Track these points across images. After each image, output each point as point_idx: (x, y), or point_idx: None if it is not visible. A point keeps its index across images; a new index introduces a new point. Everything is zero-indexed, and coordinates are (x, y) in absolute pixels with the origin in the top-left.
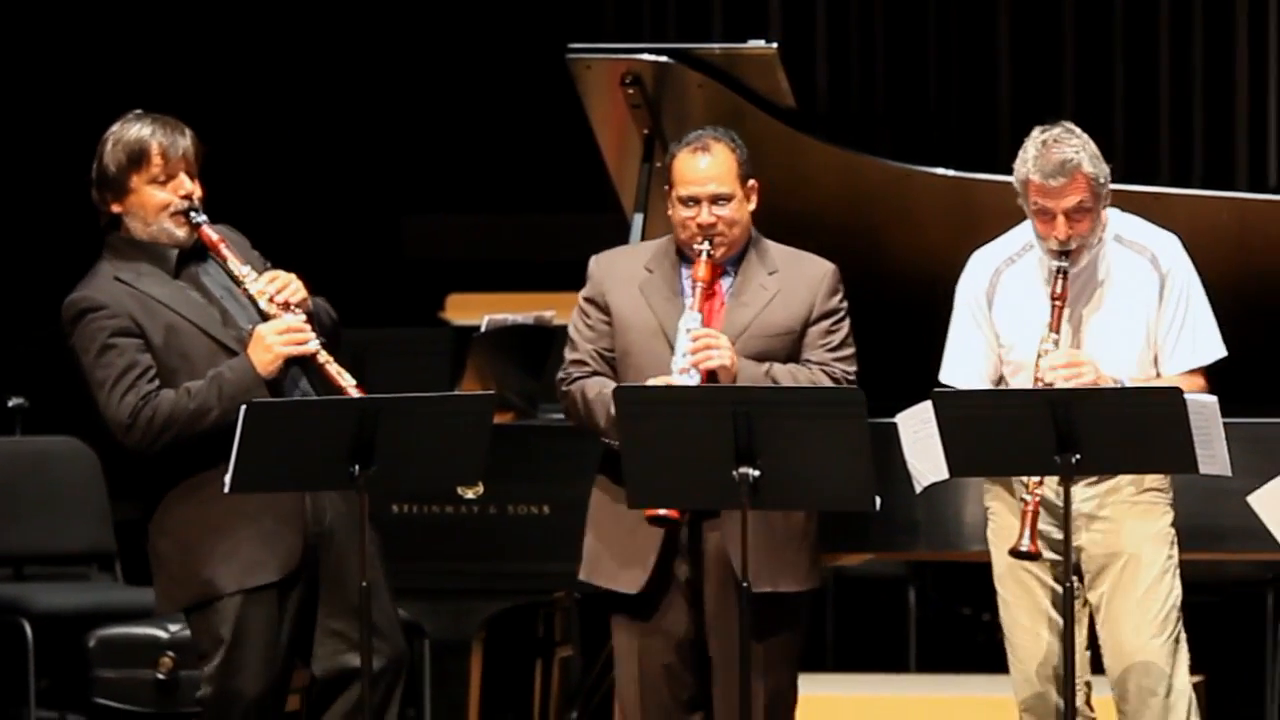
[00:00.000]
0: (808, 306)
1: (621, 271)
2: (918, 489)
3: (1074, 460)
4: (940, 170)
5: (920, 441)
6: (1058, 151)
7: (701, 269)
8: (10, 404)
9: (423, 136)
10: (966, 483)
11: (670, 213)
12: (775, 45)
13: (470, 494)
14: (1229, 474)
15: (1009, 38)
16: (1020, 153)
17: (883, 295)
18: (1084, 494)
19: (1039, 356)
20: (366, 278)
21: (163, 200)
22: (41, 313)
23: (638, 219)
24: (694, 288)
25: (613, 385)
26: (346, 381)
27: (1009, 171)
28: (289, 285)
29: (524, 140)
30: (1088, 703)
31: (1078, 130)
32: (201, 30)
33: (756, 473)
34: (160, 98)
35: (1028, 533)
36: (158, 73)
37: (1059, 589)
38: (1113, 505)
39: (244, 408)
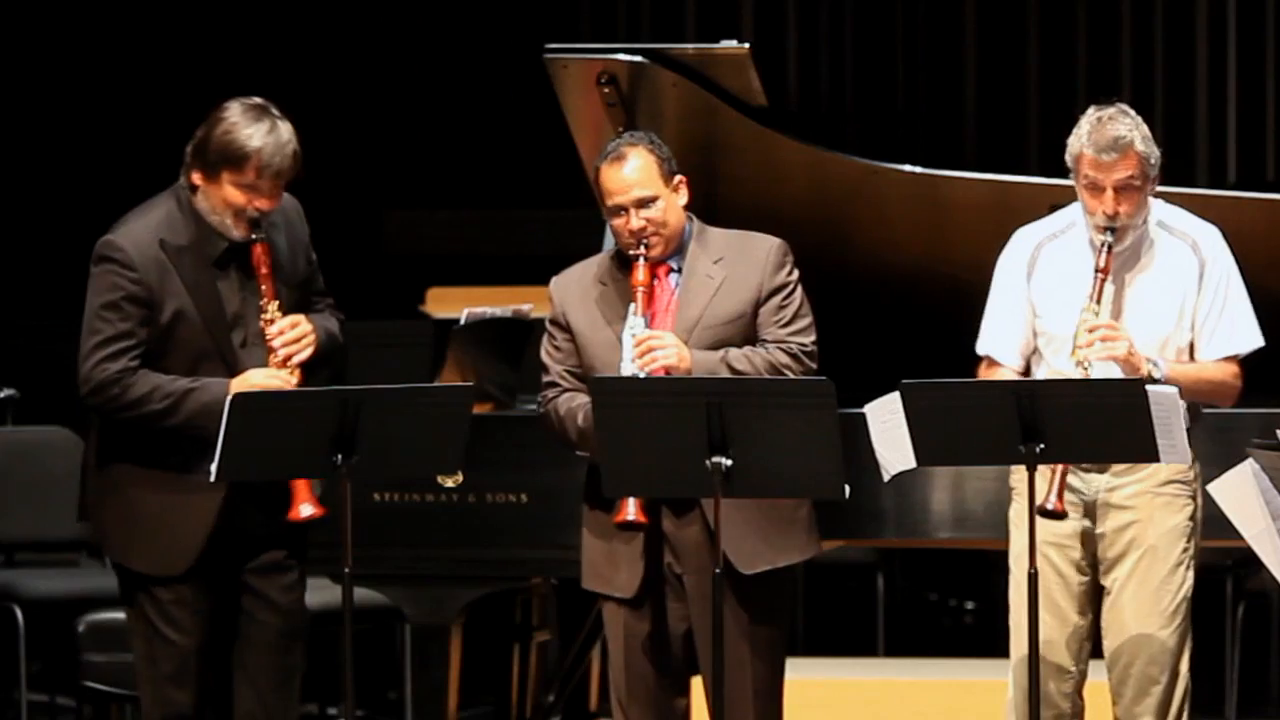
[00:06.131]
0: (755, 288)
1: (576, 290)
2: (885, 478)
3: (1038, 450)
4: (907, 167)
5: (888, 431)
6: (1112, 128)
7: (640, 273)
8: (1, 395)
9: (404, 133)
10: (933, 471)
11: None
12: (747, 45)
13: (450, 483)
14: (1189, 463)
15: (975, 38)
16: (1075, 129)
17: (851, 288)
18: (1108, 483)
19: (1080, 324)
20: (348, 271)
21: (238, 203)
22: (30, 304)
23: None
24: (636, 293)
25: (581, 399)
26: None
27: (974, 168)
28: (300, 339)
29: (502, 137)
30: (1079, 690)
31: (1132, 112)
32: (185, 25)
33: (729, 462)
34: (143, 93)
35: (1055, 492)
36: (142, 69)
37: (1073, 577)
38: (1135, 496)
39: (230, 398)
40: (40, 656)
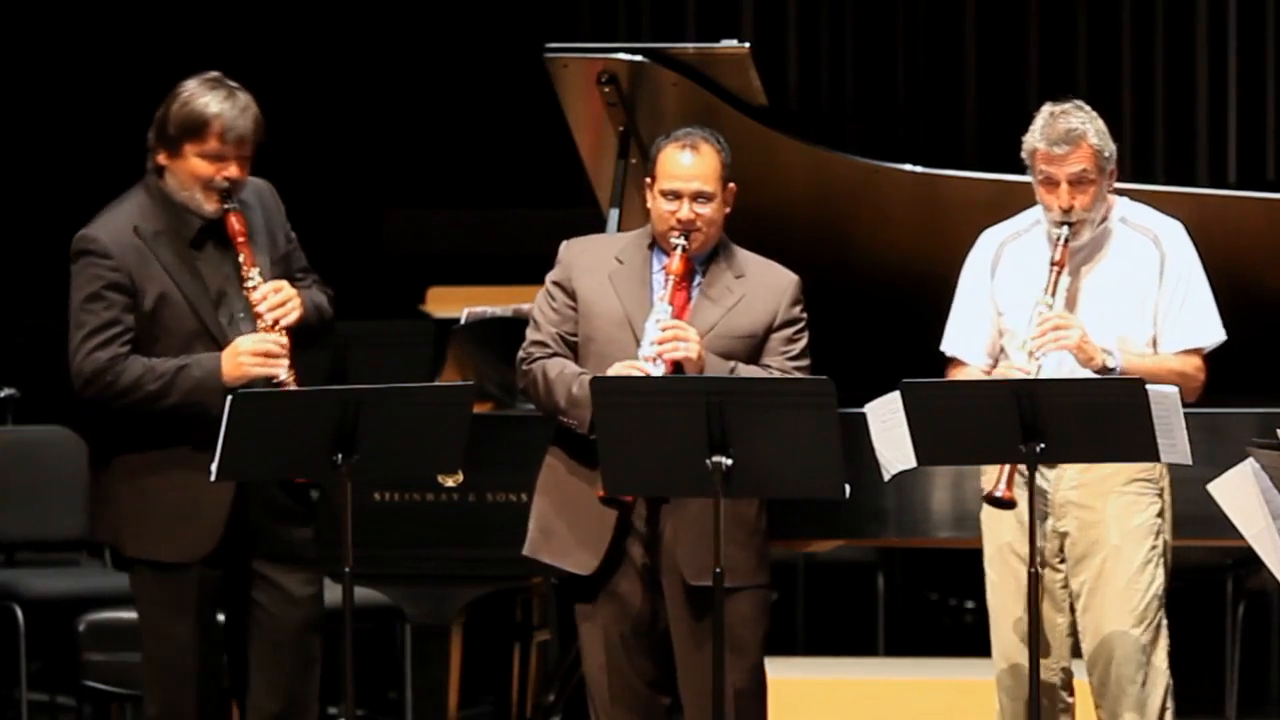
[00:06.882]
0: (771, 314)
1: (592, 259)
2: (885, 477)
3: (1039, 449)
4: (907, 166)
5: (888, 431)
6: (1064, 121)
7: (676, 262)
8: (1, 394)
9: (404, 132)
10: (933, 471)
11: (649, 204)
12: (747, 45)
13: (450, 482)
14: (1189, 462)
15: (975, 38)
16: (1031, 125)
17: (851, 288)
18: (1070, 481)
19: (1032, 316)
20: (349, 271)
21: (205, 174)
22: (31, 303)
23: (613, 214)
24: (665, 280)
25: (574, 367)
26: None
27: (974, 168)
28: (285, 304)
29: (503, 136)
30: (1067, 687)
31: (1087, 107)
32: (186, 25)
33: (729, 461)
34: (144, 93)
35: (1004, 480)
36: (142, 69)
37: (1047, 575)
38: (1098, 495)
39: (230, 398)
40: (40, 656)
